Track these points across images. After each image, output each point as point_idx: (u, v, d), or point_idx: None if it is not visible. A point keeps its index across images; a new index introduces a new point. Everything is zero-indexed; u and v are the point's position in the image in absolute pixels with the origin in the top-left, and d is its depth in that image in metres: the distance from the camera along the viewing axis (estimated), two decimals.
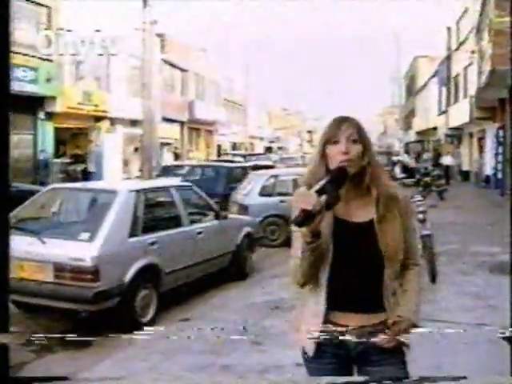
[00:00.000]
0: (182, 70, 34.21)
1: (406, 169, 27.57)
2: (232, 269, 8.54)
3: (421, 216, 8.15)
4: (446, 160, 29.95)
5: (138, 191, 6.87)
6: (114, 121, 25.25)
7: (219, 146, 43.10)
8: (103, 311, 6.02)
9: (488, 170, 24.58)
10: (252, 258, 9.20)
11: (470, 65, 25.97)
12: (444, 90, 35.88)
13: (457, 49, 31.38)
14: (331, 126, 2.37)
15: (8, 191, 2.05)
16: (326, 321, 2.36)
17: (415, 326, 2.37)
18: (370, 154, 2.34)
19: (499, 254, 9.65)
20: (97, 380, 2.58)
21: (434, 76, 40.13)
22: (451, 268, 8.81)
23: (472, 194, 23.21)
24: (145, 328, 6.16)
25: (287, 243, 11.72)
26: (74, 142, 24.04)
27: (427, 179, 21.10)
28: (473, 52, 23.96)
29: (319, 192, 2.17)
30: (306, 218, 2.14)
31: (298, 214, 2.16)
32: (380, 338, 2.34)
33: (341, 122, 2.36)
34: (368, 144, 2.35)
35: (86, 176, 22.35)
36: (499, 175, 21.60)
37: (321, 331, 2.36)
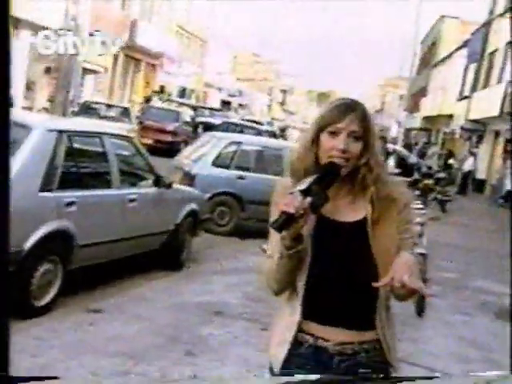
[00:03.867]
0: None
1: (402, 163, 28.08)
2: (165, 253, 8.80)
3: (417, 229, 8.43)
4: (468, 163, 30.54)
5: (60, 132, 6.95)
6: (19, 23, 24.52)
7: (162, 88, 43.01)
8: None
9: (510, 185, 25.27)
10: (192, 244, 9.46)
11: None
12: (473, 67, 36.49)
13: (502, 14, 31.76)
14: (332, 112, 2.61)
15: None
16: (301, 331, 2.63)
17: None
18: (371, 152, 2.61)
19: (509, 297, 10.11)
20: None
21: (462, 47, 40.77)
22: (444, 302, 9.22)
23: (484, 212, 23.94)
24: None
25: (238, 232, 12.06)
26: None
27: (429, 182, 21.49)
28: None
29: (305, 192, 2.43)
30: (287, 221, 2.40)
31: (277, 216, 2.42)
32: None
33: (345, 111, 2.59)
34: (371, 141, 2.61)
35: None
36: None
37: (293, 341, 2.63)
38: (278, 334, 2.69)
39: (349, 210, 2.62)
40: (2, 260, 2.32)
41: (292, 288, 2.63)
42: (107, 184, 7.58)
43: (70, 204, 6.81)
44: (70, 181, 6.93)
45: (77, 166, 7.32)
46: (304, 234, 2.50)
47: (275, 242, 2.56)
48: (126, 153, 8.35)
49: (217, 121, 31.65)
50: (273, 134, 28.26)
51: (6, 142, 1.93)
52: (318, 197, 2.45)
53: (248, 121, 34.18)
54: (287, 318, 2.65)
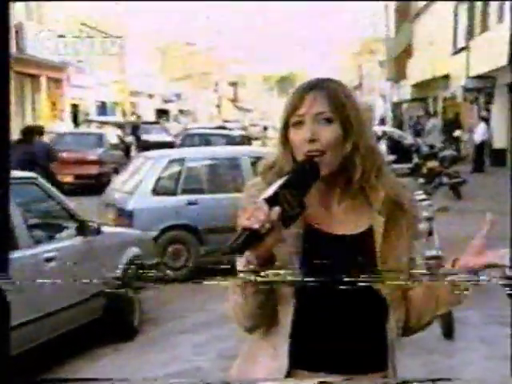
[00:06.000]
0: None
1: (396, 147, 28.27)
2: (111, 320, 8.66)
3: (425, 226, 8.40)
4: (479, 132, 30.57)
5: None
6: None
7: (75, 107, 42.89)
8: None
9: None
10: (142, 300, 9.36)
11: None
12: (464, 9, 36.66)
13: None
14: (293, 97, 2.59)
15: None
16: None
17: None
18: (358, 135, 2.55)
19: None
20: None
21: None
22: (477, 314, 9.19)
23: (509, 189, 23.96)
24: None
25: (200, 273, 11.97)
26: None
27: (433, 164, 21.63)
28: None
29: (271, 200, 2.32)
30: (251, 240, 2.30)
31: (238, 233, 2.31)
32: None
33: (304, 91, 2.57)
34: (351, 121, 2.55)
35: None
36: None
37: None
38: None
39: (347, 220, 2.62)
40: None
41: (268, 323, 2.58)
42: (12, 245, 7.27)
43: None
44: None
45: None
46: (276, 254, 2.42)
47: (241, 266, 2.48)
48: (31, 200, 8.26)
49: (164, 137, 32.33)
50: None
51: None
52: (289, 205, 2.35)
53: (213, 128, 34.98)
54: (267, 362, 2.59)
